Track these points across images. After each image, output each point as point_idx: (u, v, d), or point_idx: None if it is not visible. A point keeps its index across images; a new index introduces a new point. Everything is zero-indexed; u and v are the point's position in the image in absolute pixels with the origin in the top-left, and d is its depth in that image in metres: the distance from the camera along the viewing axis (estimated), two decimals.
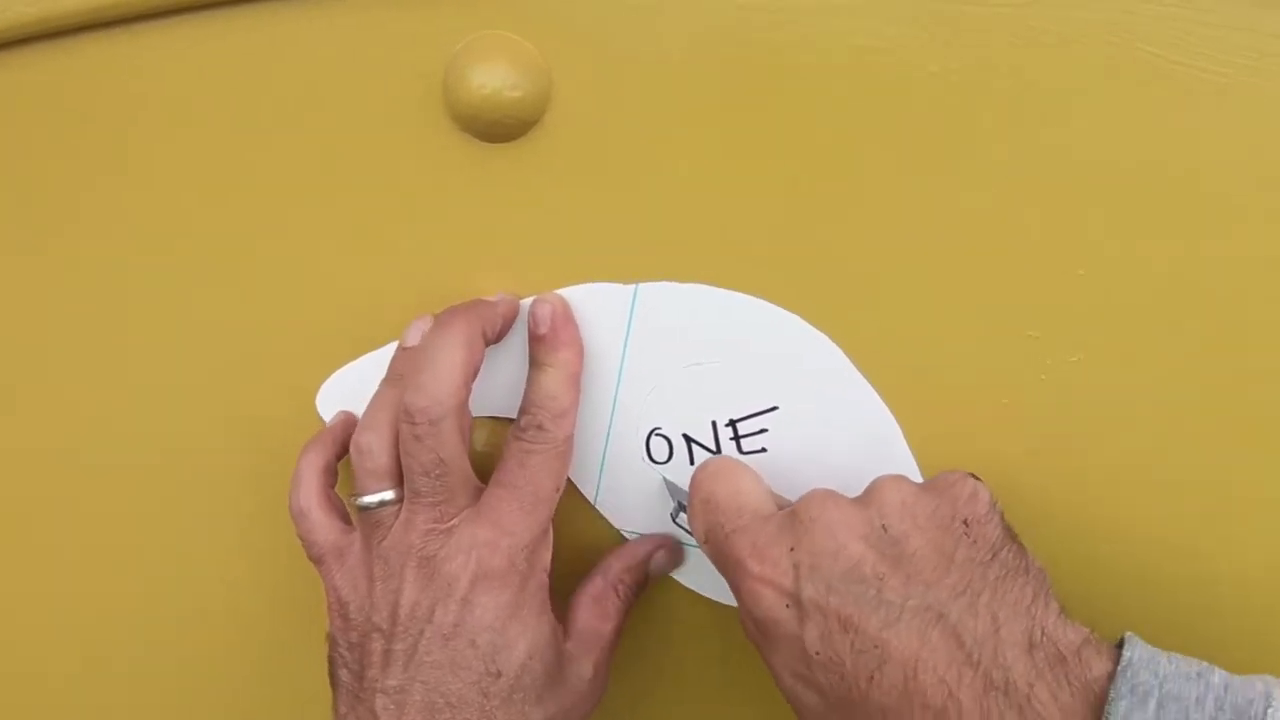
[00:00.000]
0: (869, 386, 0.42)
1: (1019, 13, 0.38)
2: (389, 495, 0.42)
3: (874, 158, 0.41)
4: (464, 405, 0.41)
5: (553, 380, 0.43)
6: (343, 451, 0.46)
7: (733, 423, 0.44)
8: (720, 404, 0.44)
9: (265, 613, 0.51)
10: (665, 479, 0.45)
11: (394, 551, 0.42)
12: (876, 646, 0.34)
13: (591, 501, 0.46)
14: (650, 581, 0.46)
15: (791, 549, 0.37)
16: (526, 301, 0.44)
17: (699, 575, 0.46)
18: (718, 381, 0.43)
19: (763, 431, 0.44)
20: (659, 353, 0.44)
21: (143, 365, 0.49)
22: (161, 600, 0.52)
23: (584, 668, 0.44)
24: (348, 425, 0.47)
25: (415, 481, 0.41)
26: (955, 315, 0.42)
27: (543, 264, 0.44)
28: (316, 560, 0.44)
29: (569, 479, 0.45)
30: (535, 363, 0.43)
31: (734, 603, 0.45)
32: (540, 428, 0.42)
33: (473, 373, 0.41)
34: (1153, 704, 0.31)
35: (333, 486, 0.45)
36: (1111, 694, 0.31)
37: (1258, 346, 0.39)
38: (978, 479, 0.37)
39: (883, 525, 0.36)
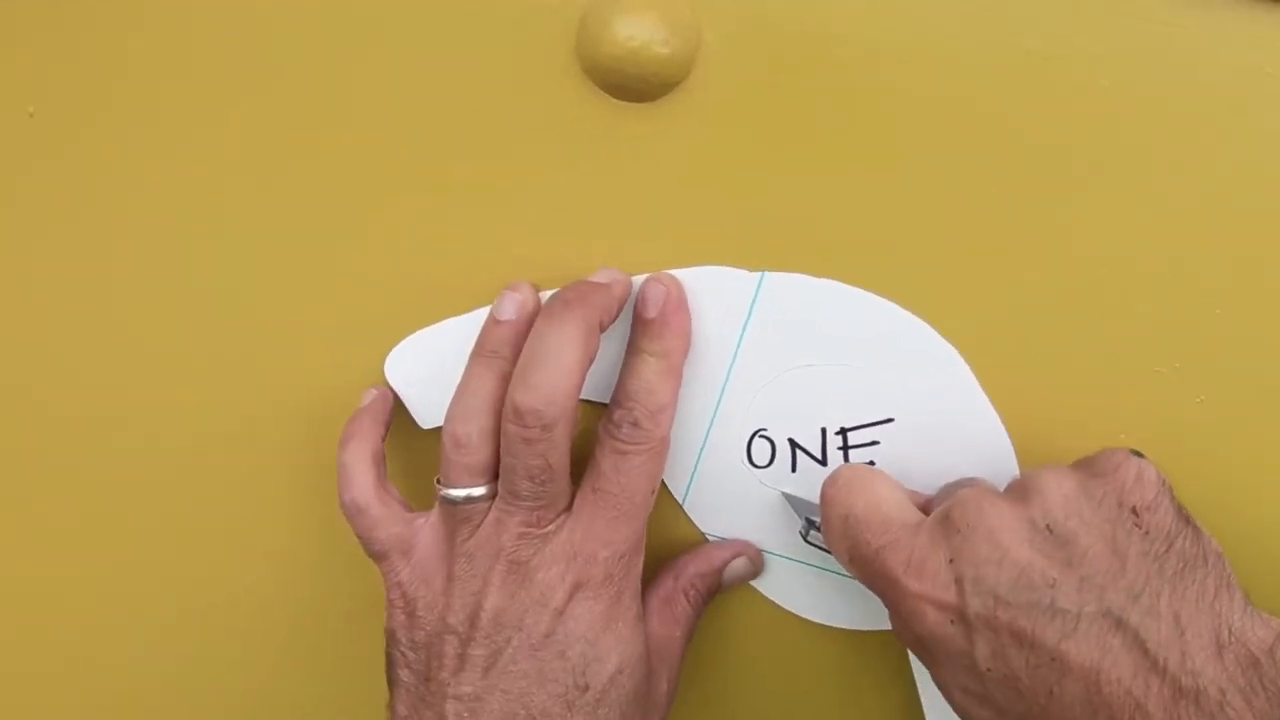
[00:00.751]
0: (990, 407, 0.40)
1: (1198, 33, 0.36)
2: (481, 491, 0.38)
3: (1033, 171, 0.38)
4: (576, 407, 0.37)
5: (653, 371, 0.39)
6: (386, 431, 0.42)
7: (844, 431, 0.41)
8: (833, 410, 0.41)
9: (313, 601, 0.47)
10: (786, 494, 0.41)
11: (481, 552, 0.38)
12: (1054, 659, 0.31)
13: (679, 501, 0.43)
14: (722, 589, 0.43)
15: (951, 560, 0.34)
16: (638, 279, 0.40)
17: (778, 584, 0.43)
18: (833, 386, 0.40)
19: (873, 444, 0.41)
20: (775, 349, 0.40)
21: (193, 326, 0.44)
22: (197, 588, 0.48)
23: (660, 680, 0.40)
24: (386, 402, 0.43)
25: (516, 484, 0.37)
26: (1086, 342, 0.39)
27: (662, 238, 0.40)
28: (379, 556, 0.40)
29: None
30: (636, 349, 0.40)
31: (817, 618, 0.43)
32: (636, 425, 0.38)
33: (587, 370, 0.37)
34: None
35: (384, 475, 0.42)
36: None
37: None
38: (1141, 456, 0.34)
39: (1047, 525, 0.33)
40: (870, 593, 0.41)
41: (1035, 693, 0.32)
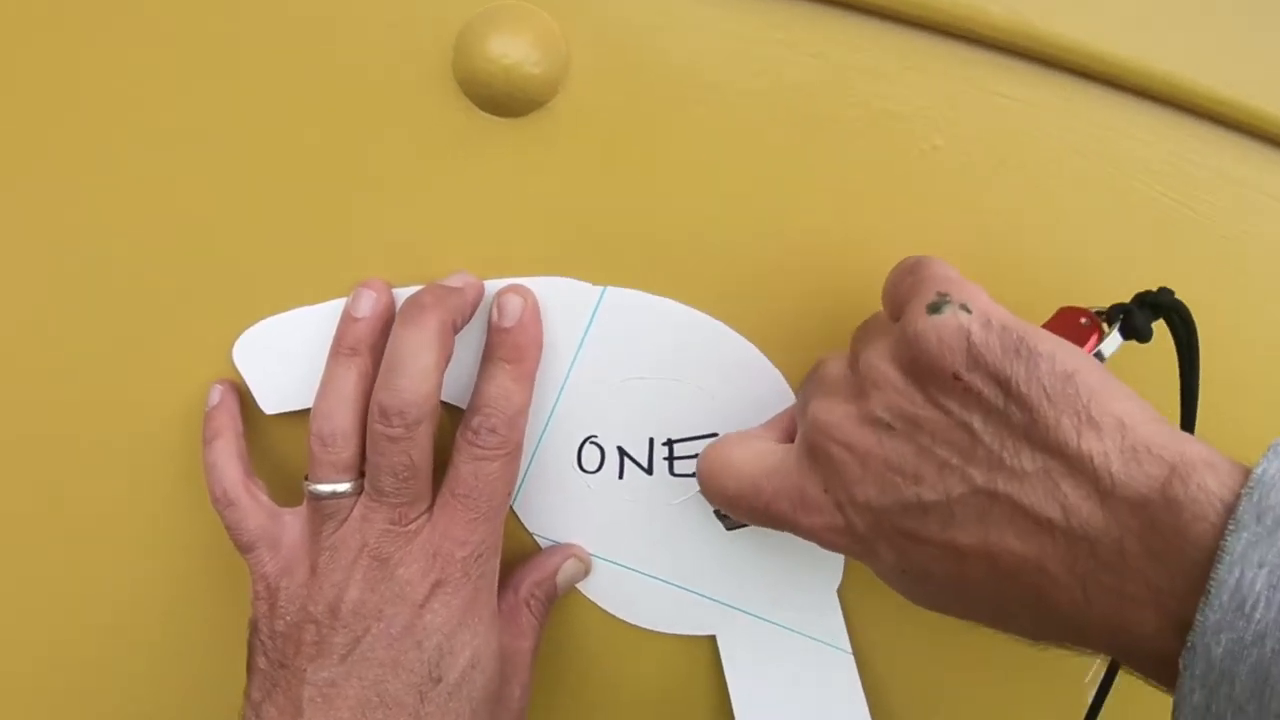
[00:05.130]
0: None
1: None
2: (346, 487, 0.40)
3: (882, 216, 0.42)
4: (438, 406, 0.40)
5: (510, 379, 0.41)
6: (242, 426, 0.44)
7: (670, 442, 0.44)
8: (661, 421, 0.44)
9: (176, 600, 0.47)
10: (715, 510, 0.43)
11: (344, 545, 0.40)
12: (947, 548, 0.31)
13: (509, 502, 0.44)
14: (560, 593, 0.45)
15: (826, 490, 0.34)
16: (489, 283, 0.42)
17: (599, 588, 0.46)
18: (663, 399, 0.43)
19: (696, 456, 0.44)
20: (611, 360, 0.43)
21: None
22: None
23: (512, 686, 0.42)
24: (236, 396, 0.44)
25: (380, 481, 0.39)
26: None
27: (515, 246, 0.42)
28: (247, 548, 0.41)
29: None
30: (492, 357, 0.42)
31: (632, 619, 0.45)
32: (494, 431, 0.40)
33: (445, 369, 0.40)
34: None
35: (250, 470, 0.43)
36: (1230, 525, 0.26)
37: None
38: (935, 309, 0.32)
39: (888, 423, 0.32)
40: (674, 599, 0.44)
41: (949, 578, 0.32)
